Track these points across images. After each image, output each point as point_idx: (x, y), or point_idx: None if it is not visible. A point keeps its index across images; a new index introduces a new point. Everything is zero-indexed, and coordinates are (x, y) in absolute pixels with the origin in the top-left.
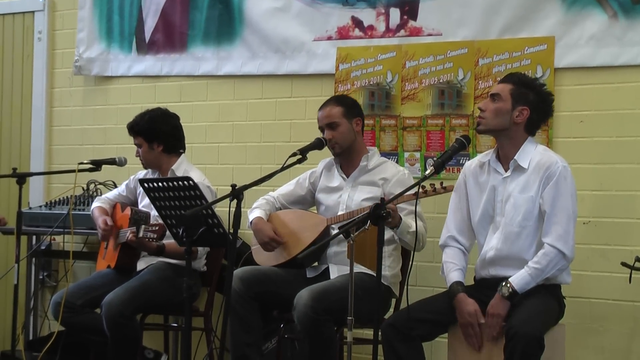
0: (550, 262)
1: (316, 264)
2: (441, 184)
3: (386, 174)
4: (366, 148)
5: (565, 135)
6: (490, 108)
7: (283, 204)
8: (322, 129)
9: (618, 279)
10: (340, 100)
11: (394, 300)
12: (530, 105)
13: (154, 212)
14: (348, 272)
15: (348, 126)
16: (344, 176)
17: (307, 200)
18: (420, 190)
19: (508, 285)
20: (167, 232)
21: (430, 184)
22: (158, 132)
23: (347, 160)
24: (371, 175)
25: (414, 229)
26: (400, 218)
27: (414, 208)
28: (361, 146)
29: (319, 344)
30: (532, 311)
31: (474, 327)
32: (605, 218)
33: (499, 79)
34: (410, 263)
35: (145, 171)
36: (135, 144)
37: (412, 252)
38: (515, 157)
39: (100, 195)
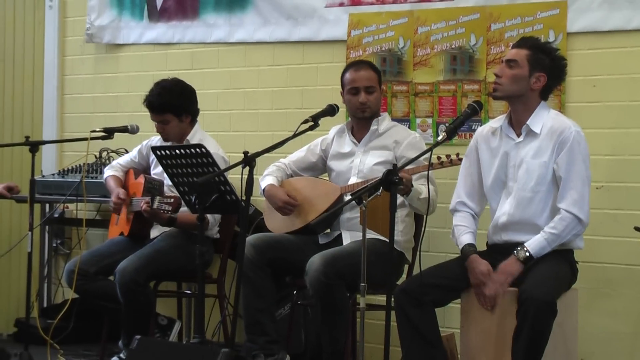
0: (566, 227)
1: (328, 230)
2: (457, 154)
3: (397, 137)
4: (379, 113)
5: (578, 100)
6: (507, 74)
7: (294, 170)
8: (356, 89)
9: (630, 244)
10: (373, 66)
11: (406, 266)
12: (547, 71)
13: (165, 177)
14: (360, 238)
15: (380, 94)
16: (355, 141)
17: (319, 167)
18: (436, 161)
19: (525, 249)
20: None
21: (447, 155)
22: (186, 104)
23: (363, 125)
24: (382, 139)
25: (424, 195)
26: (412, 186)
27: (425, 173)
28: (378, 113)
29: (331, 308)
30: (544, 276)
31: (485, 287)
32: (618, 183)
33: (511, 44)
34: (423, 229)
35: (157, 137)
36: (158, 122)
37: (424, 218)
38: (527, 122)
39: (112, 162)
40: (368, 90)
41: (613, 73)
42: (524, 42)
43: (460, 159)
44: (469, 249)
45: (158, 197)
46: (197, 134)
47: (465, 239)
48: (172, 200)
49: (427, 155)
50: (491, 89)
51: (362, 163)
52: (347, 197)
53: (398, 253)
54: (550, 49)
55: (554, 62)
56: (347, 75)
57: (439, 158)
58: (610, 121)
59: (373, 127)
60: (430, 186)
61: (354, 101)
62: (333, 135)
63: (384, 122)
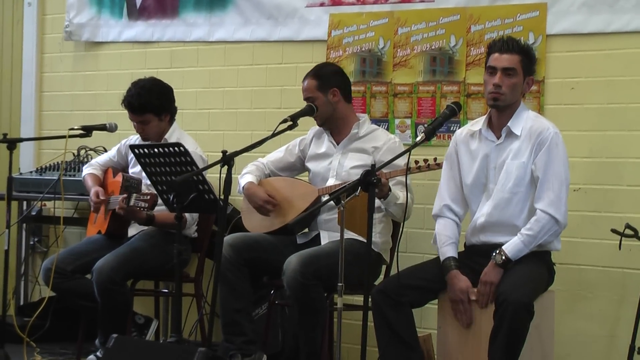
0: (542, 228)
1: (306, 230)
2: (435, 159)
3: (377, 142)
4: (356, 115)
5: (556, 102)
6: (508, 83)
7: (272, 170)
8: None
9: (608, 246)
10: (316, 72)
11: (384, 267)
12: (533, 75)
13: (144, 175)
14: (338, 238)
15: (324, 99)
16: (334, 143)
17: (297, 167)
18: (413, 165)
19: (502, 253)
20: (158, 202)
21: (424, 160)
22: (166, 104)
23: (336, 128)
24: (362, 142)
25: (401, 200)
26: (390, 189)
27: (403, 179)
28: (347, 114)
29: (308, 309)
30: (521, 278)
31: (464, 304)
32: (596, 185)
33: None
34: (401, 230)
35: (136, 136)
36: (138, 122)
37: (402, 222)
38: (508, 124)
39: (91, 161)
40: (309, 100)
41: (591, 75)
42: (512, 46)
43: (438, 164)
44: (449, 263)
45: (135, 194)
46: (175, 132)
47: (447, 250)
48: (148, 197)
49: (405, 157)
50: (490, 99)
51: (340, 165)
52: (325, 198)
53: (376, 254)
54: (530, 49)
55: (534, 63)
56: None
57: (416, 162)
58: (588, 123)
59: (354, 131)
60: (408, 194)
61: None
62: (312, 136)
63: (364, 125)
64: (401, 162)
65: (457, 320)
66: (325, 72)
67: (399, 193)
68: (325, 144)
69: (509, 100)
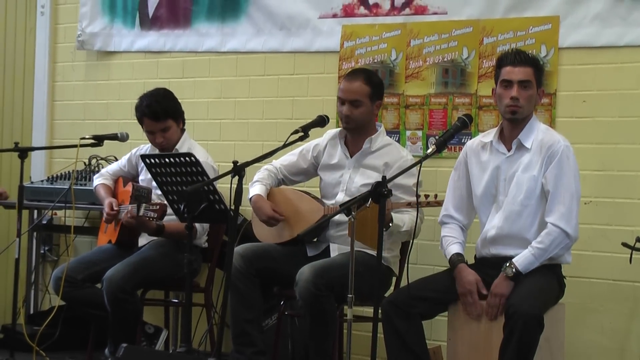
0: (553, 241)
1: (316, 239)
2: (435, 196)
3: (388, 159)
4: (375, 127)
5: (568, 115)
6: (525, 96)
7: (285, 175)
8: (341, 100)
9: (618, 259)
10: (369, 78)
11: (394, 279)
12: (543, 86)
13: (154, 185)
14: (349, 250)
15: (369, 108)
16: (347, 154)
17: (310, 173)
18: (424, 199)
19: (512, 266)
20: (168, 212)
21: (425, 195)
22: (181, 109)
23: (355, 137)
24: (374, 158)
25: (405, 228)
26: (392, 219)
27: (412, 199)
28: (372, 126)
29: (320, 319)
30: (532, 290)
31: (472, 296)
32: (607, 198)
33: None
34: (411, 243)
35: (147, 146)
36: (159, 130)
37: (413, 234)
38: (519, 137)
39: (101, 170)
40: (353, 103)
41: (603, 89)
42: (525, 60)
43: (438, 202)
44: (457, 258)
45: (144, 205)
46: (186, 142)
47: (453, 249)
48: (157, 207)
49: (414, 178)
50: (508, 112)
51: (350, 180)
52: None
53: (385, 267)
54: (540, 61)
55: (543, 74)
56: (340, 84)
57: (426, 196)
58: (599, 136)
59: (366, 146)
60: (413, 213)
61: (339, 111)
62: (326, 142)
63: (377, 139)
64: (406, 196)
65: (467, 313)
66: (376, 82)
67: (404, 218)
68: (338, 154)
69: (526, 112)
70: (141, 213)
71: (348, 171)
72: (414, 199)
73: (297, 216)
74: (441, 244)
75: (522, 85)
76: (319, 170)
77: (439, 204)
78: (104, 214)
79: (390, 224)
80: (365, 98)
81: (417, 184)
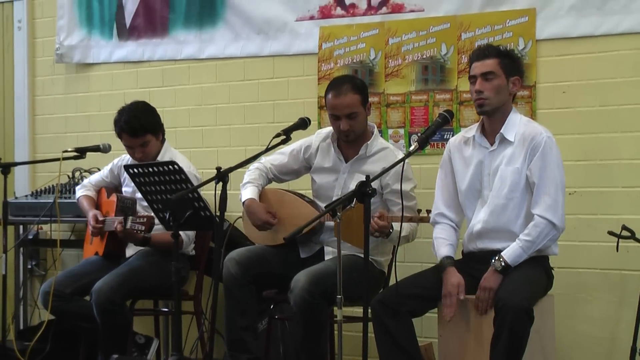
0: (540, 233)
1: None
2: (427, 212)
3: (385, 163)
4: (369, 128)
5: (548, 107)
6: (489, 87)
7: (275, 174)
8: (336, 116)
9: (605, 248)
10: (355, 85)
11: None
12: (518, 74)
13: (138, 195)
14: (343, 253)
15: (364, 114)
16: (342, 158)
17: (301, 172)
18: (425, 214)
19: (501, 259)
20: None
21: (427, 210)
22: (159, 122)
23: (351, 141)
24: (370, 164)
25: (404, 233)
26: (391, 228)
27: (408, 204)
28: (366, 129)
29: (314, 326)
30: (520, 283)
31: (451, 298)
32: (591, 188)
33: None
34: (398, 241)
35: (128, 156)
36: (138, 146)
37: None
38: (501, 131)
39: (83, 181)
40: (350, 116)
41: (582, 79)
42: (487, 52)
43: (421, 218)
44: (446, 261)
45: (131, 217)
46: (168, 152)
47: (444, 251)
48: (145, 219)
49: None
50: (476, 106)
51: (345, 186)
52: (326, 223)
53: (378, 270)
54: (511, 51)
55: (519, 63)
56: (329, 98)
57: (427, 211)
58: (580, 126)
59: (362, 152)
60: (412, 225)
61: (335, 126)
62: (317, 144)
63: (373, 144)
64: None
65: (443, 313)
66: (362, 85)
67: (404, 225)
68: (332, 158)
69: (495, 103)
70: (128, 226)
71: (343, 176)
72: (411, 203)
73: (292, 220)
74: (433, 246)
75: (484, 77)
76: (312, 173)
77: (423, 220)
78: (90, 227)
79: (391, 230)
80: (359, 107)
81: (402, 173)
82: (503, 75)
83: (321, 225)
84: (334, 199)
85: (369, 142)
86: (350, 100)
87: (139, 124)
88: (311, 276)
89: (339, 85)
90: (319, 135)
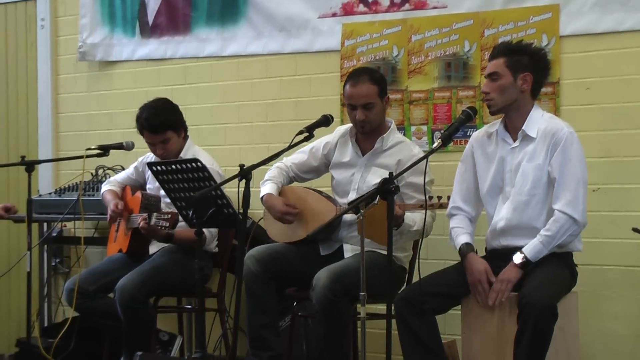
0: (560, 228)
1: (328, 239)
2: (448, 197)
3: (401, 156)
4: (386, 122)
5: (572, 103)
6: (493, 87)
7: (296, 173)
8: (352, 106)
9: (629, 245)
10: (373, 77)
11: (406, 275)
12: (529, 69)
13: (162, 192)
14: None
15: (381, 106)
16: (359, 152)
17: (321, 170)
18: (436, 201)
19: (522, 254)
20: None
21: (438, 197)
22: (181, 119)
23: (367, 135)
24: (386, 157)
25: (416, 227)
26: (403, 220)
27: (422, 197)
28: (383, 123)
29: (337, 324)
30: (544, 280)
31: (482, 284)
32: (614, 184)
33: None
34: (421, 239)
35: (152, 154)
36: (159, 142)
37: (423, 232)
38: (523, 127)
39: (109, 178)
40: (366, 107)
41: (606, 75)
42: (497, 52)
43: (441, 205)
44: (466, 248)
45: (155, 214)
46: (190, 149)
47: (462, 239)
48: (169, 216)
49: (428, 178)
50: (487, 106)
51: (362, 179)
52: (344, 218)
53: (399, 267)
54: (524, 46)
55: (533, 57)
56: (346, 89)
57: (439, 197)
58: (604, 123)
59: (378, 145)
60: (428, 212)
61: (352, 116)
62: (337, 140)
63: (389, 137)
64: (418, 195)
65: (477, 301)
66: (380, 78)
67: (415, 218)
68: (349, 152)
69: (500, 102)
70: (152, 222)
71: (360, 170)
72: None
73: (311, 215)
74: (450, 236)
75: (491, 78)
76: (330, 169)
77: (443, 206)
78: (109, 213)
79: (402, 222)
80: (376, 98)
81: (425, 181)
82: (509, 74)
83: (339, 222)
84: (351, 193)
85: (384, 136)
86: (367, 90)
87: (159, 121)
88: (332, 274)
89: (357, 76)
90: (338, 131)
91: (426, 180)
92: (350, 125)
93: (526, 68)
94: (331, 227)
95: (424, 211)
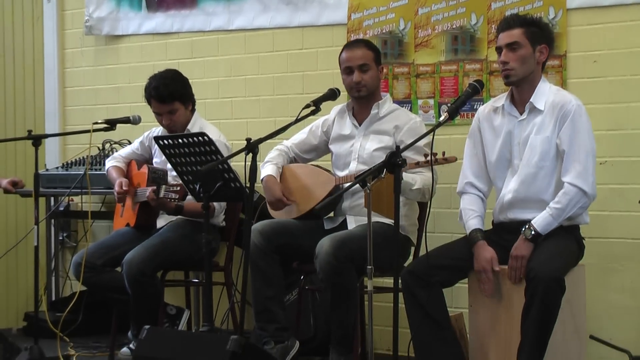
0: (571, 200)
1: (332, 215)
2: (443, 153)
3: (398, 122)
4: (381, 95)
5: (579, 76)
6: (514, 57)
7: (297, 153)
8: (349, 69)
9: (637, 218)
10: (369, 45)
11: (412, 248)
12: (546, 41)
13: (169, 166)
14: (366, 222)
15: (376, 72)
16: (356, 123)
17: (321, 149)
18: (425, 159)
19: (531, 228)
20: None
21: (433, 153)
22: (189, 91)
23: (363, 106)
24: (383, 123)
25: (417, 186)
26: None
27: (422, 159)
28: (378, 93)
29: (341, 291)
30: (551, 253)
31: (487, 274)
32: (622, 157)
33: None
34: (428, 211)
35: (159, 129)
36: (166, 112)
37: (429, 201)
38: (531, 100)
39: (114, 154)
40: (362, 68)
41: (613, 48)
42: (513, 22)
43: (446, 159)
44: (476, 234)
45: (164, 186)
46: (198, 122)
47: (473, 223)
48: (178, 188)
49: (429, 139)
50: (503, 77)
51: (362, 148)
52: (342, 187)
53: (403, 237)
54: (537, 19)
55: (546, 30)
56: (342, 55)
57: (434, 154)
58: (611, 96)
59: (374, 111)
60: (427, 174)
61: (348, 80)
62: (334, 116)
63: (384, 105)
64: (417, 157)
65: (481, 289)
66: (375, 47)
67: (415, 177)
68: (347, 125)
69: (521, 73)
70: (161, 195)
71: (358, 139)
72: (423, 158)
73: (308, 191)
74: (460, 216)
75: (510, 48)
76: (330, 144)
77: (447, 161)
78: (115, 195)
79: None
80: (372, 62)
81: (432, 144)
82: (529, 44)
83: (342, 196)
84: (352, 163)
85: (379, 102)
86: (362, 53)
87: (167, 91)
88: (335, 240)
89: (353, 42)
90: (335, 109)
91: (424, 142)
92: (347, 102)
93: (543, 40)
94: (336, 200)
95: (425, 171)
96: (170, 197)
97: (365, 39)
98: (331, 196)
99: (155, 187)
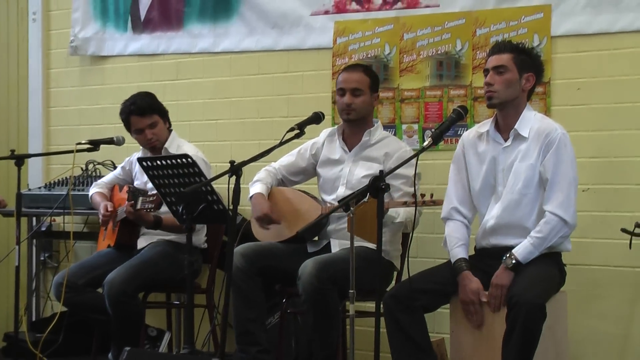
0: (552, 230)
1: (316, 238)
2: (431, 195)
3: (388, 149)
4: (372, 122)
5: (563, 103)
6: (499, 80)
7: (285, 175)
8: (343, 90)
9: (618, 245)
10: (368, 71)
11: (395, 273)
12: (533, 70)
13: (149, 185)
14: (349, 245)
15: (369, 99)
16: (346, 148)
17: (309, 172)
18: (419, 198)
19: (512, 257)
20: (164, 206)
21: (422, 194)
22: (164, 108)
23: (353, 131)
24: (373, 150)
25: (400, 219)
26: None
27: (409, 190)
28: (370, 120)
29: (324, 313)
30: (533, 279)
31: (474, 305)
32: (604, 185)
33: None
34: (411, 236)
35: (139, 152)
36: (147, 126)
37: (412, 228)
38: (515, 127)
39: (100, 175)
40: (354, 92)
41: (597, 76)
42: (503, 47)
43: (434, 201)
44: (461, 264)
45: (141, 198)
46: (175, 140)
47: (458, 252)
48: (154, 197)
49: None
50: (485, 99)
51: (350, 173)
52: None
53: (387, 261)
54: (528, 48)
55: (536, 60)
56: (339, 76)
57: (422, 195)
58: (595, 123)
59: (365, 138)
60: (409, 210)
61: (340, 102)
62: (323, 139)
63: (376, 132)
64: (406, 187)
65: (469, 321)
66: (374, 75)
67: (399, 210)
68: (337, 149)
69: (504, 96)
70: (139, 206)
71: (348, 165)
72: (410, 189)
73: (296, 215)
74: (444, 243)
75: (496, 71)
76: (317, 167)
77: (435, 203)
78: (100, 217)
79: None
80: (366, 88)
81: (415, 176)
82: (516, 70)
83: (327, 220)
84: (340, 188)
85: (371, 129)
86: (359, 77)
87: (146, 103)
88: (318, 262)
89: (352, 66)
90: (325, 132)
91: (412, 173)
92: (337, 125)
93: (530, 69)
94: (320, 225)
95: (403, 205)
96: (146, 207)
97: (366, 64)
98: (316, 220)
99: (132, 202)
